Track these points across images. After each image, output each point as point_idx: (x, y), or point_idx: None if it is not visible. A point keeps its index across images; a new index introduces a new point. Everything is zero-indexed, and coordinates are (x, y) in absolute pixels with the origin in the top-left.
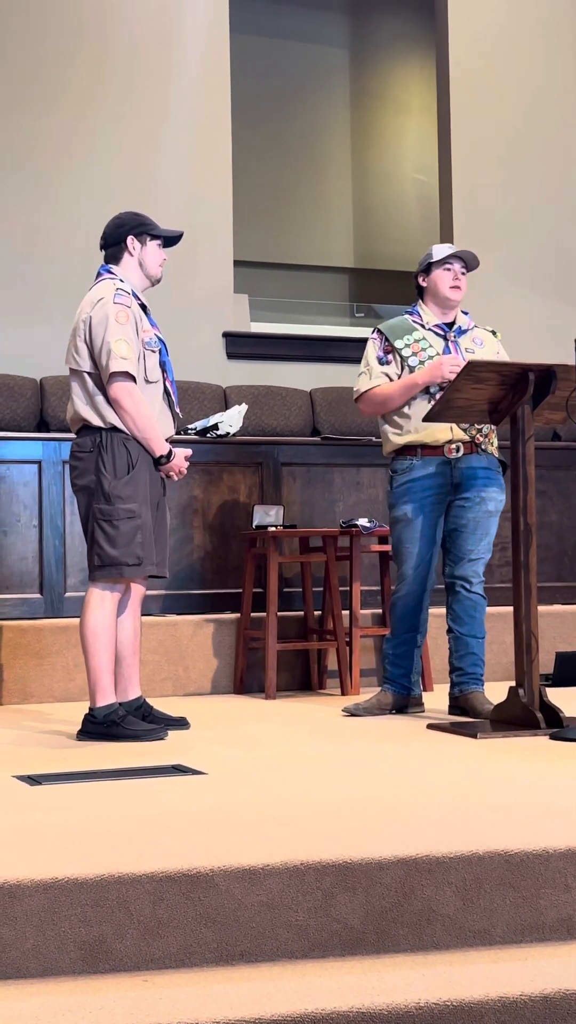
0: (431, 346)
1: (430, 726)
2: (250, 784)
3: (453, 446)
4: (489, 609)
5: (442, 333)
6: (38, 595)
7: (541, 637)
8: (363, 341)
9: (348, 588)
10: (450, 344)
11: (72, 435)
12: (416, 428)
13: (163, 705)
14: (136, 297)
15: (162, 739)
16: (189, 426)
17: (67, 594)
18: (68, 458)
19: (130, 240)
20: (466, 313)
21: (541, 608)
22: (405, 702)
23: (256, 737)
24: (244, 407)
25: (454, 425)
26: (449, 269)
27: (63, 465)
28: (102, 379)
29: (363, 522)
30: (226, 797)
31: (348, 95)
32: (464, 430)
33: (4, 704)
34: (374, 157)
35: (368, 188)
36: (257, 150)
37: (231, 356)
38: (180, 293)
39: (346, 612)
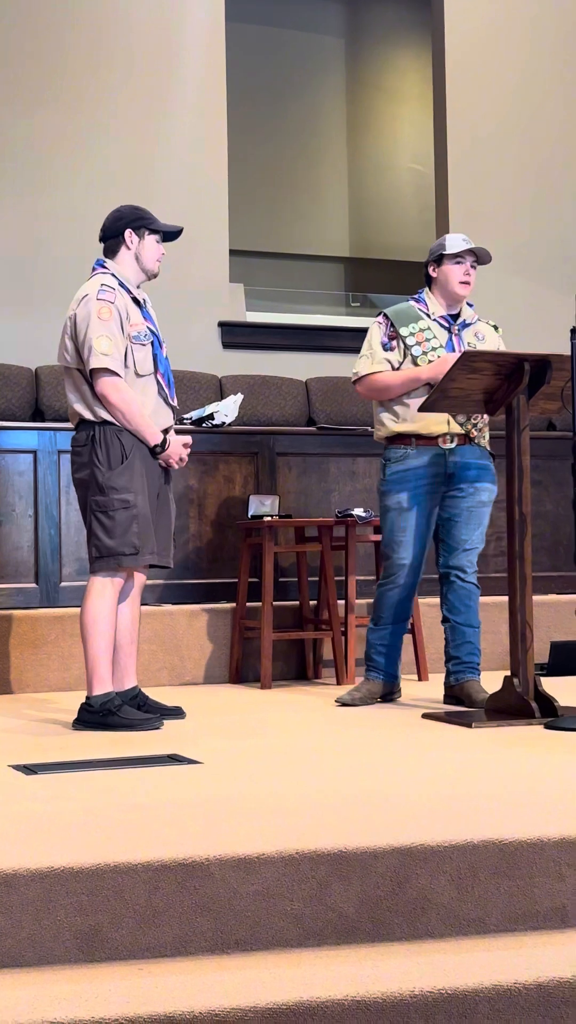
0: (435, 337)
1: (425, 715)
2: (245, 773)
3: (447, 437)
4: (484, 599)
5: (447, 325)
6: (34, 584)
7: (536, 627)
8: (359, 330)
9: (343, 578)
10: (454, 337)
11: (71, 426)
12: (413, 418)
13: (158, 695)
14: (129, 291)
15: (158, 728)
16: (184, 416)
17: (63, 583)
18: (69, 451)
19: (128, 234)
20: (471, 305)
21: (536, 598)
22: (391, 688)
23: (252, 726)
24: (240, 397)
25: (451, 418)
26: (461, 263)
27: (58, 454)
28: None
29: (358, 512)
30: (222, 786)
31: (344, 84)
32: (460, 424)
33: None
34: (370, 146)
35: (364, 177)
36: (253, 139)
37: (227, 346)
38: (176, 282)
39: (341, 602)
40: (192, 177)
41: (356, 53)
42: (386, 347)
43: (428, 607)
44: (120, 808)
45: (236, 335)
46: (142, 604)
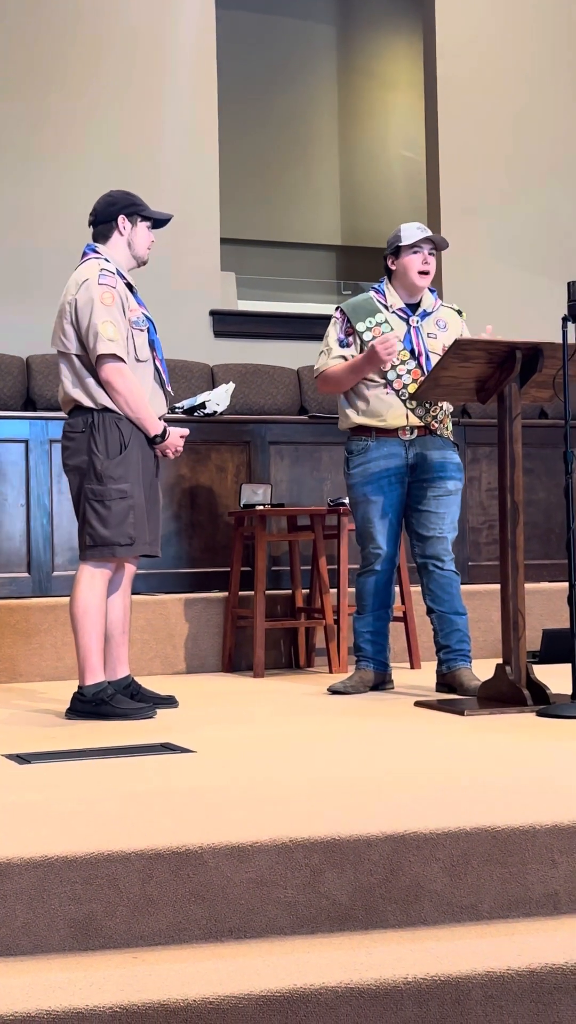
0: (392, 330)
1: (417, 703)
2: (239, 762)
3: (407, 429)
4: (476, 587)
5: (405, 317)
6: (26, 574)
7: (528, 614)
8: None
9: (336, 566)
10: (412, 329)
11: (62, 415)
12: (372, 412)
13: (151, 684)
14: (122, 276)
15: (151, 718)
16: (176, 405)
17: (55, 573)
18: (60, 438)
19: (121, 219)
20: (432, 292)
21: (528, 586)
22: (383, 678)
23: (245, 715)
24: (231, 385)
25: (409, 411)
26: (418, 252)
27: (50, 444)
28: (91, 361)
29: None
30: (215, 775)
31: (335, 71)
32: (420, 417)
33: None
34: (361, 134)
35: (355, 165)
36: (244, 127)
37: (218, 334)
38: (167, 271)
39: (334, 590)
40: (183, 165)
41: (347, 40)
42: (342, 343)
43: (417, 595)
44: (114, 797)
45: (228, 324)
46: (135, 593)
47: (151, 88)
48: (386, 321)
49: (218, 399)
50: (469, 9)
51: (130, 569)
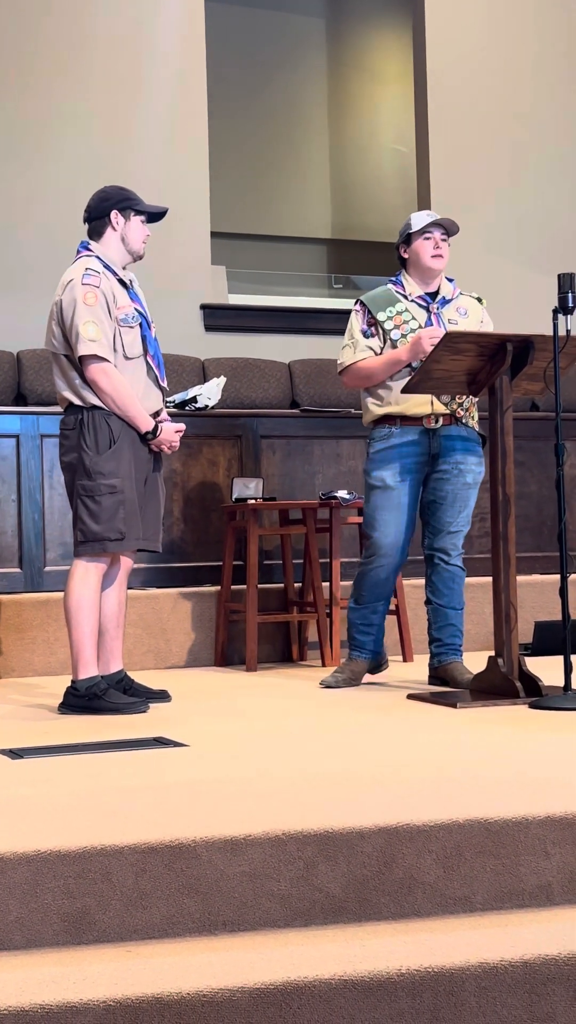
0: (414, 319)
1: (410, 696)
2: (232, 756)
3: (432, 417)
4: (469, 580)
5: (425, 305)
6: (17, 569)
7: (520, 607)
8: (342, 312)
9: (328, 560)
10: (433, 316)
11: (53, 410)
12: (397, 400)
13: (144, 678)
14: (115, 272)
15: (143, 712)
16: (167, 399)
17: (47, 568)
18: (57, 435)
19: (114, 215)
20: (451, 280)
21: (520, 578)
22: (379, 662)
23: (237, 709)
24: (223, 379)
25: (435, 398)
26: (429, 238)
27: (41, 439)
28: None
29: (342, 494)
30: (208, 769)
31: (325, 65)
32: (445, 404)
33: None
34: (351, 127)
35: (346, 158)
36: (234, 120)
37: (209, 328)
38: (157, 265)
39: (326, 584)
40: (173, 159)
41: (337, 33)
42: (366, 334)
43: (413, 588)
44: (107, 791)
45: (218, 318)
46: (127, 588)
47: (140, 81)
48: (406, 310)
49: (209, 393)
50: (458, 2)
51: (127, 563)
